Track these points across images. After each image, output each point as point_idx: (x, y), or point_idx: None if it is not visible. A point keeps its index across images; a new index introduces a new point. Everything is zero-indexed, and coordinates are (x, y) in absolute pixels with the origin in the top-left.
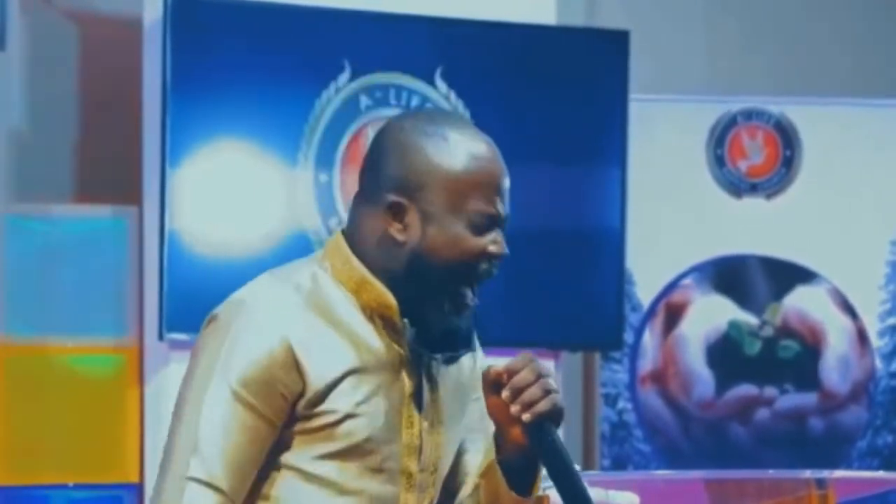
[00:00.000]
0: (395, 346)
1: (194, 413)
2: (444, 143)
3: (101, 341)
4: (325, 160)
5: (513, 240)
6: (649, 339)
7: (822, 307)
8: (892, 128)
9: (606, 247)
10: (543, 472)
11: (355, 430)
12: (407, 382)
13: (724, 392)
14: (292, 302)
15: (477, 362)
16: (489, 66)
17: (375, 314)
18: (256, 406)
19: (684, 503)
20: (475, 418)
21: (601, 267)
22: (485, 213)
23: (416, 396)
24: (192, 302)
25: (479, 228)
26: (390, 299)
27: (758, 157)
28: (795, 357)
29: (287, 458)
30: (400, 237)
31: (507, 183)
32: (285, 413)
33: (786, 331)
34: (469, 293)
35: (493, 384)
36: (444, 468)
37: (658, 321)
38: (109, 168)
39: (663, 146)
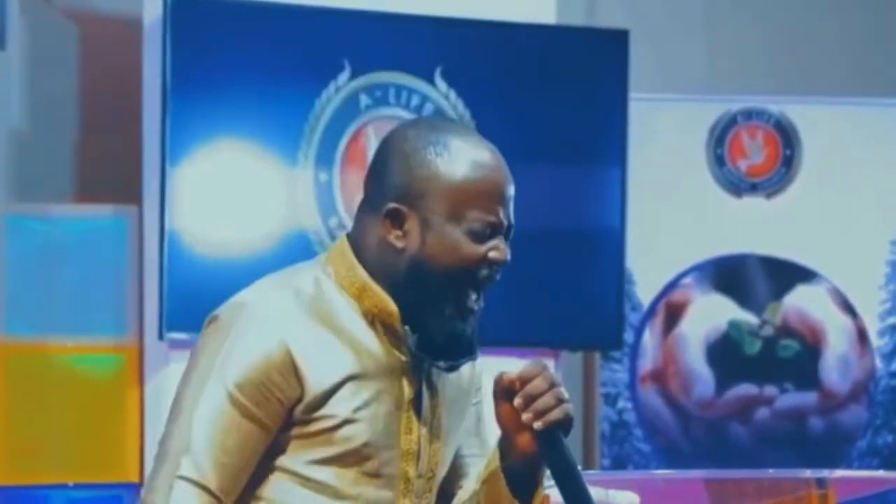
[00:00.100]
0: (396, 353)
1: (189, 412)
2: (445, 152)
3: (101, 341)
4: (324, 159)
5: (513, 239)
6: (649, 338)
7: (822, 307)
8: (891, 127)
9: (606, 246)
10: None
11: (353, 436)
12: (406, 389)
13: (724, 391)
14: (293, 306)
15: (476, 367)
16: (489, 66)
17: (377, 320)
18: (251, 409)
19: (684, 503)
20: (473, 423)
21: (601, 266)
22: (485, 222)
23: (416, 403)
24: (192, 301)
25: (480, 236)
26: (391, 306)
27: (758, 157)
28: (795, 356)
29: (284, 461)
30: (399, 244)
31: (510, 191)
32: (281, 418)
33: (786, 330)
34: (472, 298)
35: (505, 391)
36: (442, 474)
37: (658, 321)
38: (109, 168)
39: (663, 146)
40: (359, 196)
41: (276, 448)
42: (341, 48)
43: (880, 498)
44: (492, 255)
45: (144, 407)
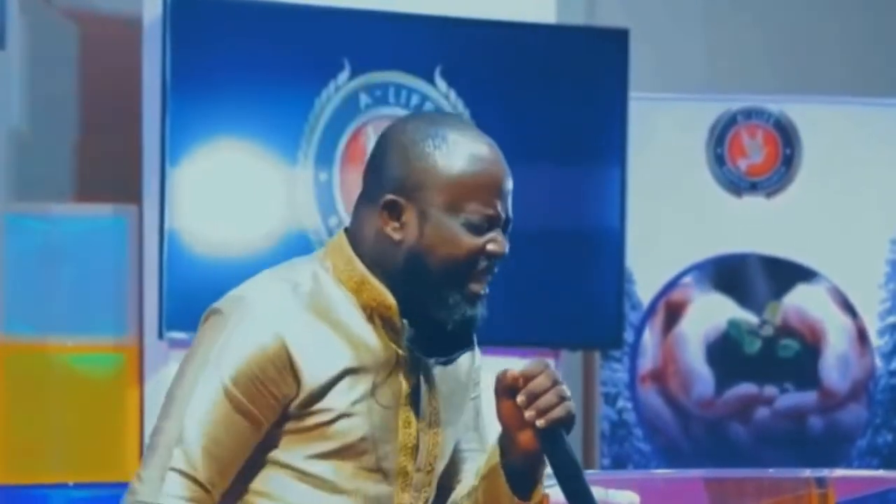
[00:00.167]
0: (393, 346)
1: (183, 404)
2: (443, 144)
3: (100, 340)
4: (324, 159)
5: (512, 239)
6: (649, 337)
7: (822, 306)
8: (891, 126)
9: (606, 245)
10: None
11: (350, 430)
12: (404, 382)
13: (724, 391)
14: (291, 301)
15: (475, 362)
16: (489, 65)
17: (375, 314)
18: (244, 403)
19: (684, 502)
20: (472, 417)
21: (601, 266)
22: (483, 214)
23: (414, 396)
24: (192, 301)
25: (478, 229)
26: (389, 299)
27: (758, 156)
28: (795, 356)
29: (282, 456)
30: (396, 236)
31: (508, 185)
32: (275, 413)
33: (786, 330)
34: (475, 285)
35: (507, 388)
36: (441, 468)
37: (658, 320)
38: (109, 167)
39: (663, 145)
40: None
41: (273, 442)
42: (341, 47)
43: (880, 497)
44: (490, 247)
45: (144, 406)
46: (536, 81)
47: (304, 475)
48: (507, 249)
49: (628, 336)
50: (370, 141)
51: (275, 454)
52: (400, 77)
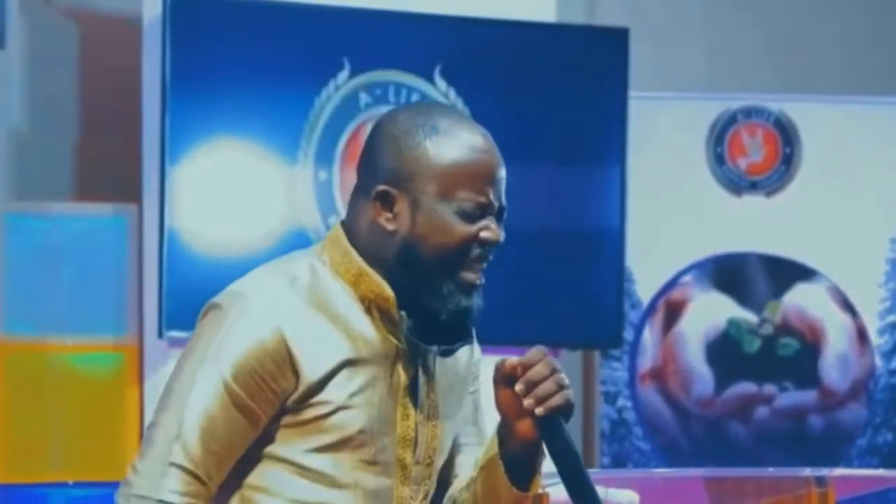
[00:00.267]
0: (392, 339)
1: (182, 399)
2: (434, 134)
3: (100, 339)
4: (324, 158)
5: (512, 238)
6: (649, 336)
7: (822, 305)
8: (891, 125)
9: (606, 244)
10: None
11: (348, 422)
12: (402, 374)
13: (724, 390)
14: (289, 295)
15: (474, 356)
16: (489, 64)
17: (373, 306)
18: (243, 398)
19: (684, 501)
20: (470, 411)
21: (601, 265)
22: (475, 202)
23: (412, 388)
24: (192, 300)
25: (470, 217)
26: (387, 290)
27: (757, 155)
28: (795, 355)
29: (279, 450)
30: (389, 226)
31: (501, 173)
32: (274, 408)
33: (785, 328)
34: (469, 275)
35: (506, 377)
36: (441, 461)
37: (658, 319)
38: (109, 166)
39: (663, 144)
40: None
41: (271, 437)
42: (341, 46)
43: (880, 496)
44: (483, 234)
45: (144, 405)
46: (536, 81)
47: (302, 469)
48: (501, 237)
49: (628, 335)
50: None
51: (273, 449)
52: (400, 76)
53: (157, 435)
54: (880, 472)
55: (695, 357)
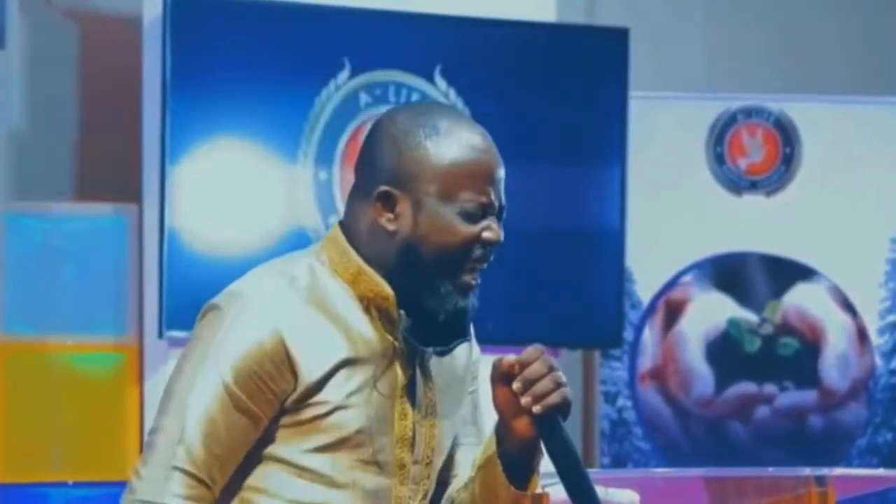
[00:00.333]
0: (390, 338)
1: (183, 402)
2: (434, 134)
3: (100, 339)
4: (324, 158)
5: (513, 237)
6: (649, 336)
7: (822, 305)
8: (891, 125)
9: (606, 244)
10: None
11: (346, 422)
12: (400, 374)
13: (724, 390)
14: (288, 295)
15: (473, 355)
16: (489, 64)
17: (372, 305)
18: (244, 400)
19: (684, 501)
20: (469, 411)
21: (601, 264)
22: (477, 202)
23: (410, 388)
24: (192, 300)
25: (472, 217)
26: (387, 290)
27: (757, 155)
28: (795, 355)
29: (278, 451)
30: (391, 227)
31: (501, 173)
32: (274, 409)
33: (785, 328)
34: (468, 276)
35: (503, 375)
36: (440, 461)
37: (658, 319)
38: (109, 166)
39: (663, 144)
40: None
41: (270, 438)
42: (341, 46)
43: (880, 496)
44: (485, 234)
45: (144, 405)
46: (536, 80)
47: (301, 470)
48: (501, 237)
49: (628, 335)
50: None
51: (271, 449)
52: (400, 76)
53: (159, 440)
54: (880, 471)
55: (695, 357)
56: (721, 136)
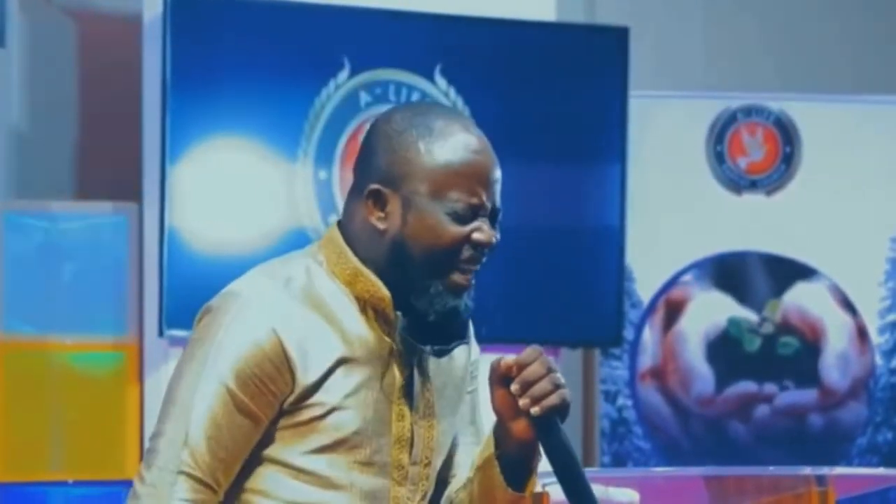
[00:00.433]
0: (387, 339)
1: (185, 406)
2: (428, 134)
3: (100, 338)
4: (324, 157)
5: (513, 237)
6: (649, 335)
7: (822, 304)
8: (891, 125)
9: (606, 243)
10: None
11: (343, 423)
12: (397, 375)
13: (724, 389)
14: (284, 296)
15: (471, 356)
16: (489, 63)
17: (368, 306)
18: (246, 402)
19: (684, 500)
20: (468, 411)
21: (601, 263)
22: (467, 203)
23: (407, 389)
24: (192, 299)
25: (462, 218)
26: (383, 291)
27: (758, 154)
28: (795, 354)
29: (275, 453)
30: (381, 225)
31: (496, 174)
32: (273, 410)
33: (785, 327)
34: (459, 275)
35: (502, 377)
36: (439, 461)
37: (658, 318)
38: (109, 165)
39: (663, 143)
40: None
41: (269, 440)
42: (341, 45)
43: (880, 495)
44: (476, 236)
45: (144, 404)
46: (536, 79)
47: (298, 471)
48: (494, 239)
49: (628, 334)
50: None
51: (269, 451)
52: (400, 75)
53: (162, 444)
54: (880, 470)
55: (695, 356)
56: (721, 136)
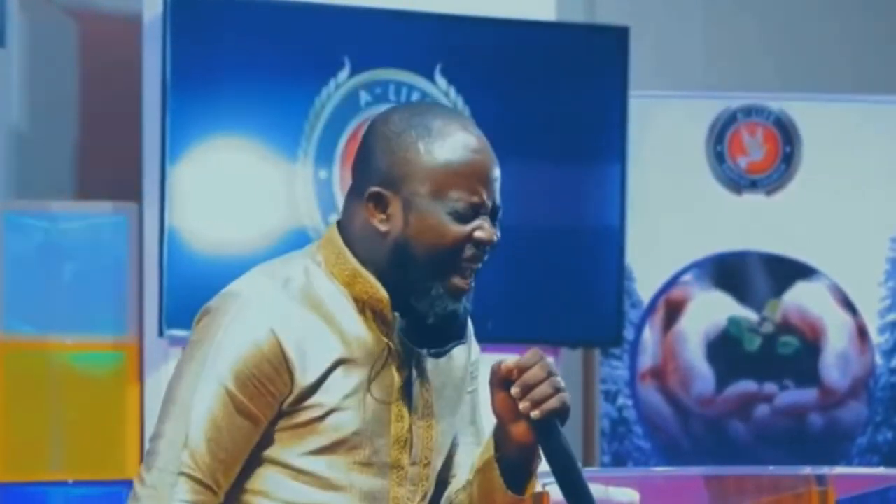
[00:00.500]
0: (385, 339)
1: (185, 407)
2: (426, 134)
3: (100, 338)
4: (324, 157)
5: (513, 236)
6: (649, 335)
7: (822, 303)
8: (891, 125)
9: (606, 243)
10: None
11: (342, 424)
12: (396, 376)
13: (724, 388)
14: (283, 296)
15: (471, 356)
16: (489, 63)
17: (367, 307)
18: (245, 403)
19: (684, 500)
20: (468, 411)
21: (601, 263)
22: (468, 202)
23: (406, 390)
24: (192, 299)
25: (463, 217)
26: (382, 292)
27: (758, 154)
28: (795, 353)
29: (275, 454)
30: (382, 227)
31: (495, 173)
32: (273, 410)
33: (786, 327)
34: (460, 278)
35: (502, 380)
36: (439, 461)
37: (658, 317)
38: (109, 165)
39: (663, 143)
40: None
41: (268, 441)
42: (341, 45)
43: (880, 495)
44: (477, 234)
45: (144, 404)
46: (536, 79)
47: (297, 472)
48: (496, 237)
49: (628, 334)
50: None
51: (269, 452)
52: (400, 75)
53: (161, 445)
54: (880, 470)
55: (695, 356)
56: (721, 135)
